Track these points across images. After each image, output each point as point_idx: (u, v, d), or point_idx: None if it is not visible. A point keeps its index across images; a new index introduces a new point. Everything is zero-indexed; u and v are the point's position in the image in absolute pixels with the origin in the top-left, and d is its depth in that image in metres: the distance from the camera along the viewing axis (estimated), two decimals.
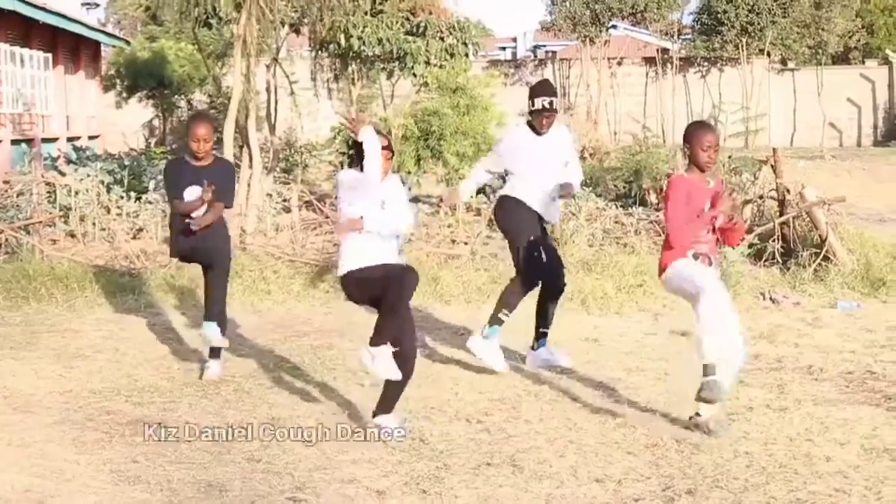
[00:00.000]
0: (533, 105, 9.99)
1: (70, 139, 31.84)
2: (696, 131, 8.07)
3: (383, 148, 8.04)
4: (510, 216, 10.07)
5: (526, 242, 9.91)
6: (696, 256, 8.00)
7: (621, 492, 7.04)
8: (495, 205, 10.35)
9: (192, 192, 9.61)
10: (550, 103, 9.96)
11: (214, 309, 9.85)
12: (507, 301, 9.99)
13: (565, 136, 10.32)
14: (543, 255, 9.91)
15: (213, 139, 9.88)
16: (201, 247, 9.68)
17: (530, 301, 10.17)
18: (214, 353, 9.98)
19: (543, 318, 10.16)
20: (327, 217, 17.00)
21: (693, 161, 8.03)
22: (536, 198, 9.97)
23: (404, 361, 8.08)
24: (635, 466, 7.49)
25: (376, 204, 8.09)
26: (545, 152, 9.99)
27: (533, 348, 10.21)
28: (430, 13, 24.65)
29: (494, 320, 9.98)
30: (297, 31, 26.46)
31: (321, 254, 15.01)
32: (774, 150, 16.09)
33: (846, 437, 8.11)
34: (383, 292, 7.94)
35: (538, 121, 9.99)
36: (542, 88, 10.09)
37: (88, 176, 17.25)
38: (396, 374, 8.00)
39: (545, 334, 10.18)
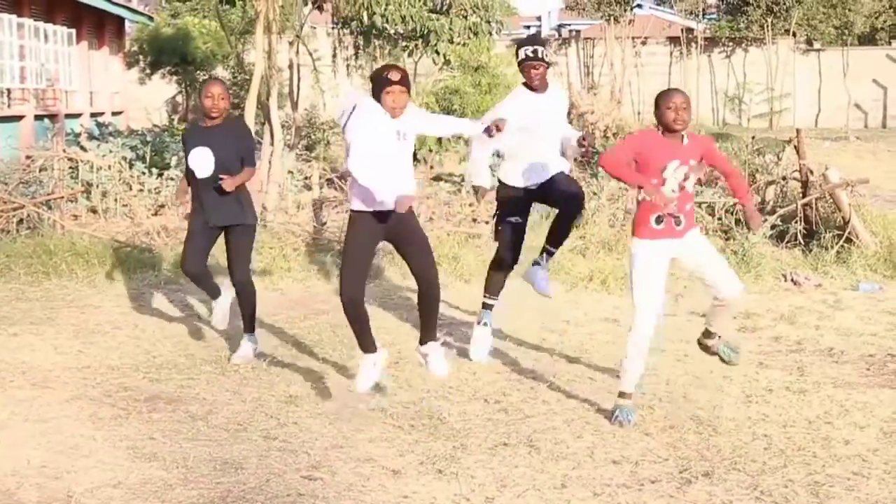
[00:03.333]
0: (517, 56, 9.45)
1: (93, 115, 31.94)
2: (662, 94, 7.83)
3: (397, 82, 7.85)
4: (499, 202, 9.70)
5: (505, 227, 9.64)
6: (659, 220, 7.86)
7: (638, 473, 7.01)
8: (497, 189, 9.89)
9: (198, 153, 9.43)
10: (535, 52, 9.34)
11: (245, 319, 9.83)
12: (487, 284, 9.82)
13: (563, 98, 9.84)
14: (515, 237, 9.63)
15: (229, 102, 9.69)
16: (220, 216, 9.52)
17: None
18: (248, 326, 9.85)
19: (551, 236, 9.69)
20: (347, 194, 16.99)
21: (661, 122, 7.80)
22: (526, 164, 9.46)
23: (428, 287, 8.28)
24: (652, 448, 7.47)
25: (391, 136, 7.96)
26: (540, 109, 9.37)
27: (535, 262, 9.82)
28: None
29: (484, 306, 9.83)
30: (321, 8, 26.44)
31: (341, 231, 14.98)
32: (798, 130, 15.99)
33: (866, 420, 8.08)
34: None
35: (526, 73, 9.40)
36: (525, 39, 9.59)
37: (111, 152, 17.27)
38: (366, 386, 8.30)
39: (549, 252, 9.72)
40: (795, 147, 15.65)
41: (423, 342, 8.43)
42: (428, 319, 8.34)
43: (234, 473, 6.88)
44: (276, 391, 8.76)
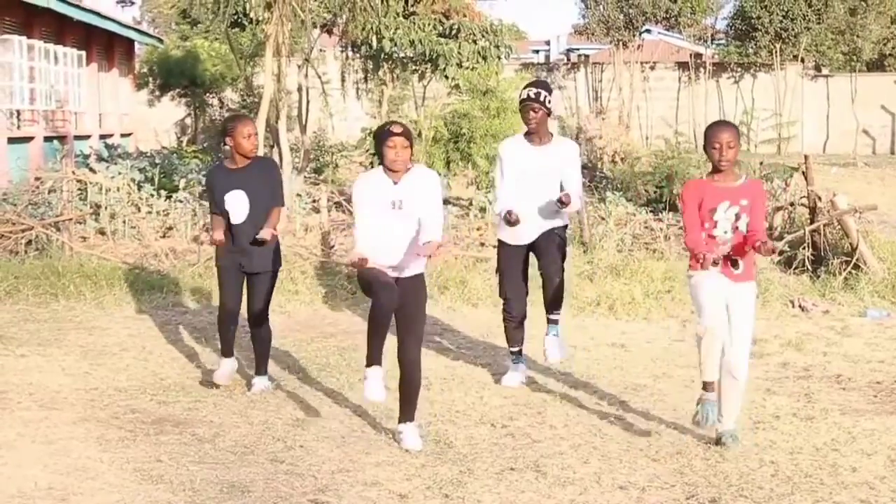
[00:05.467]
0: (519, 97, 9.53)
1: (102, 136, 32.00)
2: (708, 130, 7.83)
3: (398, 134, 7.82)
4: (499, 258, 9.97)
5: (505, 281, 9.87)
6: (715, 262, 7.80)
7: (645, 499, 7.00)
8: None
9: (234, 198, 9.25)
10: (536, 94, 9.35)
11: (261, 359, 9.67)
12: (507, 338, 10.05)
13: (568, 150, 9.68)
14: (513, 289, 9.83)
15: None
16: (253, 262, 9.38)
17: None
18: (261, 368, 9.68)
19: (546, 303, 9.72)
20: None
21: (709, 159, 7.88)
22: (524, 222, 9.45)
23: (407, 370, 8.11)
24: (659, 474, 7.46)
25: (386, 207, 7.89)
26: (539, 165, 9.44)
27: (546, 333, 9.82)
28: (464, 16, 24.66)
29: (511, 353, 10.08)
30: (330, 32, 26.51)
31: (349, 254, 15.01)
32: (806, 157, 15.99)
33: (873, 447, 8.05)
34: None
35: (523, 114, 9.45)
36: (532, 81, 9.68)
37: (119, 173, 17.31)
38: (380, 396, 8.04)
39: (551, 321, 9.69)
40: (803, 173, 15.65)
41: (400, 421, 8.11)
42: (406, 402, 8.09)
43: (240, 496, 6.88)
44: (284, 414, 8.76)
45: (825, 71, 46.56)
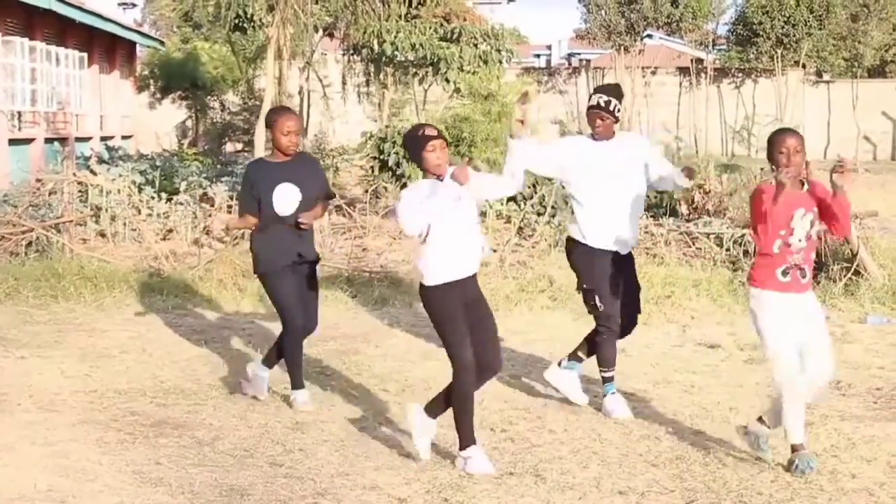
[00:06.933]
0: (588, 101, 8.97)
1: (103, 138, 32.08)
2: (774, 136, 7.63)
3: (435, 137, 7.42)
4: (582, 265, 9.00)
5: (602, 291, 8.86)
6: (785, 273, 7.59)
7: None
8: (566, 244, 9.26)
9: (285, 191, 8.90)
10: (607, 103, 8.79)
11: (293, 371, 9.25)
12: (600, 358, 9.10)
13: (636, 141, 9.25)
14: (619, 295, 8.91)
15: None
16: (305, 252, 9.02)
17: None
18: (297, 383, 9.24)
19: (588, 347, 9.24)
20: (356, 222, 17.02)
21: (775, 167, 7.65)
22: (602, 225, 8.82)
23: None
24: (659, 479, 7.44)
25: (450, 203, 7.49)
26: (606, 161, 8.81)
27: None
28: (465, 20, 24.69)
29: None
30: (331, 35, 26.57)
31: (349, 258, 15.01)
32: (807, 163, 15.90)
33: (873, 453, 8.04)
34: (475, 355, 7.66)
35: (590, 120, 8.87)
36: (602, 87, 9.05)
37: (120, 176, 17.31)
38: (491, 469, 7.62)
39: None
40: (804, 179, 15.61)
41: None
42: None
43: (239, 500, 6.87)
44: (283, 417, 8.74)
45: (826, 77, 46.64)
